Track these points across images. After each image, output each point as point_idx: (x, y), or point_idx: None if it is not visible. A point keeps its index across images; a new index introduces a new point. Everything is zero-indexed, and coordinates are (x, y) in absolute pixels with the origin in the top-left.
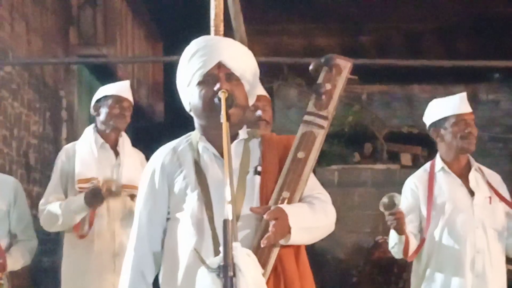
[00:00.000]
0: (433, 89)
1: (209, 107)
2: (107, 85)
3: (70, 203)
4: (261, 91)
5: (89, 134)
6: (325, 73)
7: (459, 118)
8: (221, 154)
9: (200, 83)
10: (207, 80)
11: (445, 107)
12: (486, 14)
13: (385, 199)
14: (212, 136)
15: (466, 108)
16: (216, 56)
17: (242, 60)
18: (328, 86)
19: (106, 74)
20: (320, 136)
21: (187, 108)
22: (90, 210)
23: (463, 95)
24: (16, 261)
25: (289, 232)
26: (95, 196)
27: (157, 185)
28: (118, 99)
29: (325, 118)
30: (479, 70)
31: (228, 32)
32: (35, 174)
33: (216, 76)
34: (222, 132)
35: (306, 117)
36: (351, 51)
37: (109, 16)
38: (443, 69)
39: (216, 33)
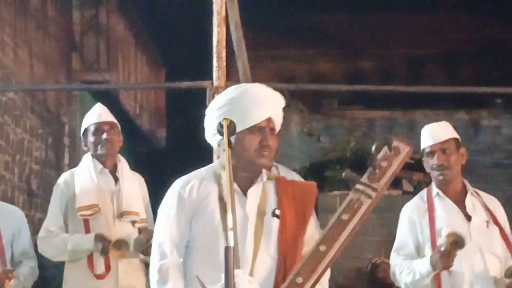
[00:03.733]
0: (435, 115)
1: (252, 155)
2: (86, 117)
3: (79, 244)
4: None
5: (87, 160)
6: (384, 152)
7: (428, 150)
8: (244, 193)
9: (248, 131)
10: (255, 130)
11: (422, 138)
12: (489, 40)
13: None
14: (237, 175)
15: (433, 139)
16: (269, 111)
17: (281, 116)
18: (384, 164)
19: (109, 100)
20: (366, 204)
21: (214, 139)
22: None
23: (430, 126)
24: (24, 275)
25: None
26: (103, 250)
27: (183, 211)
28: (97, 127)
29: (374, 190)
30: (481, 96)
31: (231, 58)
32: (37, 200)
33: (263, 129)
34: (247, 174)
35: (358, 186)
36: (353, 76)
37: (112, 42)
38: (445, 95)
39: (218, 60)
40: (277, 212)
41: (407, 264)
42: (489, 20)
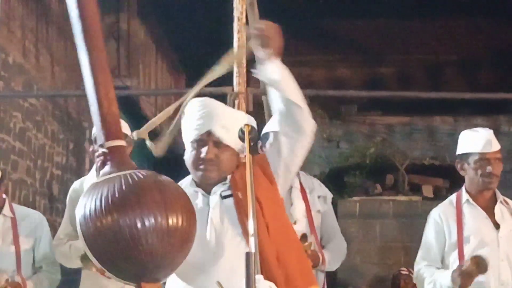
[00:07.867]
0: (455, 121)
1: (193, 166)
2: None
3: (79, 250)
4: None
5: (94, 169)
6: None
7: (482, 157)
8: (208, 192)
9: (192, 143)
10: (197, 142)
11: (470, 142)
12: (507, 46)
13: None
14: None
15: (490, 147)
16: (208, 125)
17: (232, 130)
18: None
19: (129, 106)
20: None
21: None
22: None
23: (489, 133)
24: (42, 282)
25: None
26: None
27: None
28: (93, 137)
29: None
30: (500, 102)
31: (251, 64)
32: (58, 205)
33: (205, 141)
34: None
35: None
36: (372, 82)
37: (132, 48)
38: (464, 100)
39: (239, 66)
40: (224, 193)
41: (429, 272)
42: (507, 25)
